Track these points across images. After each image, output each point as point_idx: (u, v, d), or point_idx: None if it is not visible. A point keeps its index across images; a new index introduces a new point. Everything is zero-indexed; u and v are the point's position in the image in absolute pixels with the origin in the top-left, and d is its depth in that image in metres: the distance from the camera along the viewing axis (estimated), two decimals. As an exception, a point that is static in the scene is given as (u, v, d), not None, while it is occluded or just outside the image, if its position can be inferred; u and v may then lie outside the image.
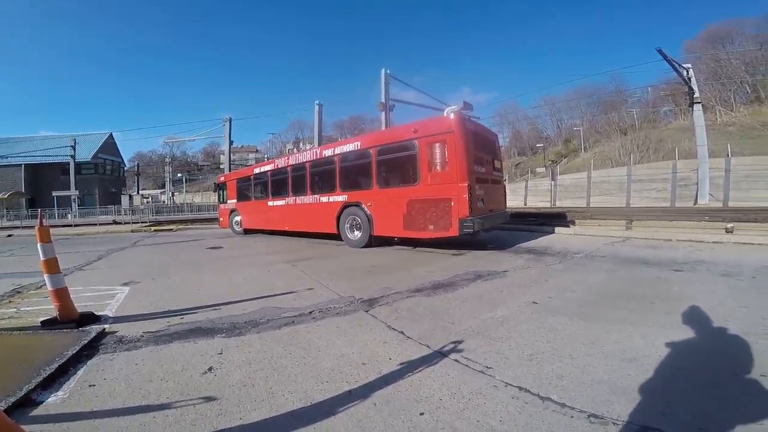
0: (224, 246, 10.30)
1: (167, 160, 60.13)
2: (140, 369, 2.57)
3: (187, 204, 40.30)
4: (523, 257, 6.32)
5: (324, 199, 9.53)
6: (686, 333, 2.82)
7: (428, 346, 2.76)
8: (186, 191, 64.49)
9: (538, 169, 44.44)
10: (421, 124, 7.63)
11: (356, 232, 8.64)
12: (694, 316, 3.15)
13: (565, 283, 4.49)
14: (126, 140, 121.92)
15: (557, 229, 9.80)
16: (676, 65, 18.99)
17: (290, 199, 10.84)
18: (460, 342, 2.79)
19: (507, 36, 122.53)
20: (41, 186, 36.54)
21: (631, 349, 2.56)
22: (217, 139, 27.08)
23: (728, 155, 20.77)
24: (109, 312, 3.98)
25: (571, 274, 4.95)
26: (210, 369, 2.50)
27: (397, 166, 7.97)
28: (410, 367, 2.44)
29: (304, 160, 10.36)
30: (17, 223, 25.86)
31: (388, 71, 18.80)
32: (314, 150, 10.37)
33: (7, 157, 35.11)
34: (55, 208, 30.47)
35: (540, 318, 3.26)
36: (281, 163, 11.62)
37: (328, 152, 9.49)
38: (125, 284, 5.35)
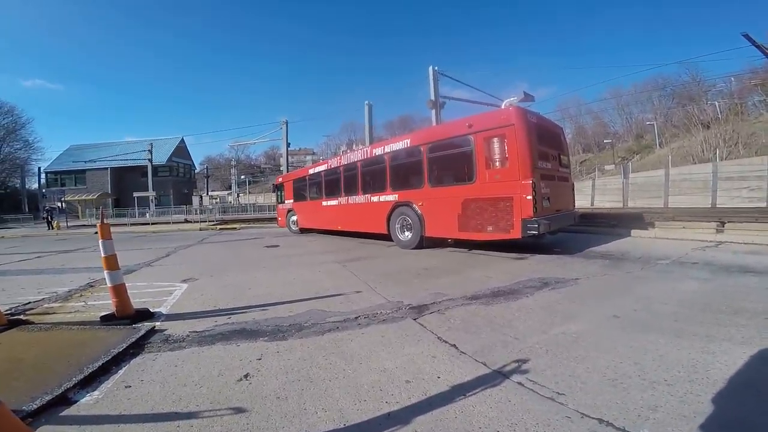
0: (280, 245, 10.50)
1: (233, 163, 64.06)
2: (178, 371, 2.49)
3: (250, 204, 42.49)
4: (596, 263, 5.61)
5: (374, 198, 9.33)
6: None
7: (485, 364, 2.38)
8: (249, 192, 68.34)
9: (607, 167, 41.05)
10: (477, 118, 7.13)
11: (407, 233, 8.32)
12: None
13: (652, 293, 3.82)
14: (196, 144, 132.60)
15: (634, 232, 8.78)
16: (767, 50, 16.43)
17: (342, 199, 10.80)
18: (524, 361, 2.38)
19: (566, 28, 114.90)
20: (124, 187, 40.51)
21: (746, 373, 2.03)
22: (276, 142, 28.09)
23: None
24: (164, 309, 4.07)
25: (658, 283, 4.24)
26: (246, 376, 2.37)
27: (451, 163, 7.53)
28: (462, 389, 2.09)
29: (355, 160, 10.26)
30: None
31: (436, 68, 18.26)
32: (364, 149, 10.23)
33: (96, 161, 39.18)
34: (136, 207, 33.44)
35: (624, 334, 2.74)
36: (333, 163, 11.64)
37: (378, 151, 9.28)
38: (185, 281, 5.54)
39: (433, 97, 18.07)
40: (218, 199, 62.53)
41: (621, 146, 48.39)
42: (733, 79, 38.39)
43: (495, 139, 6.46)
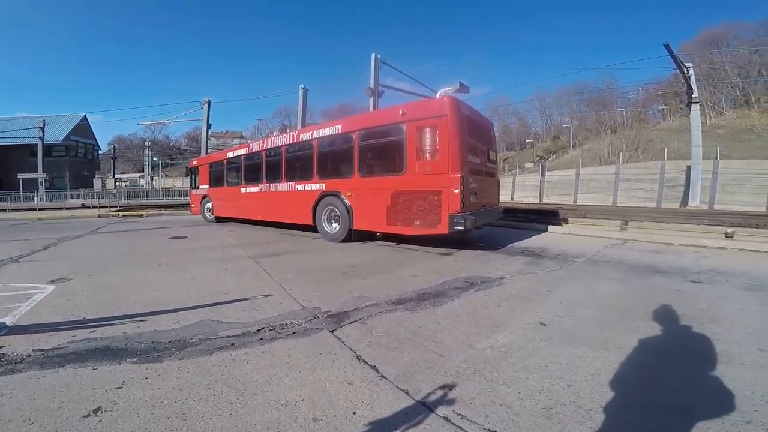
0: (189, 236, 9.35)
1: (146, 143, 57.85)
2: (5, 403, 1.90)
3: (164, 189, 38.58)
4: (519, 260, 5.61)
5: (300, 187, 8.64)
6: (753, 372, 2.14)
7: (408, 393, 2.00)
8: (167, 176, 62.33)
9: (527, 164, 44.05)
10: (411, 106, 6.79)
11: (334, 225, 7.81)
12: (748, 346, 2.49)
13: (574, 296, 3.78)
14: (107, 122, 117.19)
15: (551, 228, 9.21)
16: (680, 62, 18.54)
17: (264, 186, 9.92)
18: (451, 387, 2.04)
19: (503, 30, 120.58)
20: (9, 168, 34.22)
21: (691, 398, 1.89)
22: (198, 123, 25.58)
23: (717, 158, 20.56)
24: (9, 319, 3.21)
25: (578, 284, 4.25)
26: (97, 410, 1.85)
27: (382, 152, 7.12)
28: (381, 430, 1.68)
29: (280, 144, 9.43)
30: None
31: (378, 55, 17.81)
32: (291, 133, 9.45)
33: (-30, 138, 32.75)
34: (21, 190, 28.61)
35: (553, 347, 2.54)
36: (255, 146, 10.65)
37: (305, 136, 8.58)
38: (52, 282, 4.55)
39: (372, 85, 17.57)
40: (128, 182, 56.24)
41: (540, 146, 52.22)
42: (640, 88, 43.27)
43: (427, 129, 6.16)
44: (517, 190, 32.41)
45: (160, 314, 3.31)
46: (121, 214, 18.39)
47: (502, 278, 4.50)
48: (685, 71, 18.43)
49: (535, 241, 7.51)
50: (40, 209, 22.39)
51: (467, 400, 1.91)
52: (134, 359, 2.43)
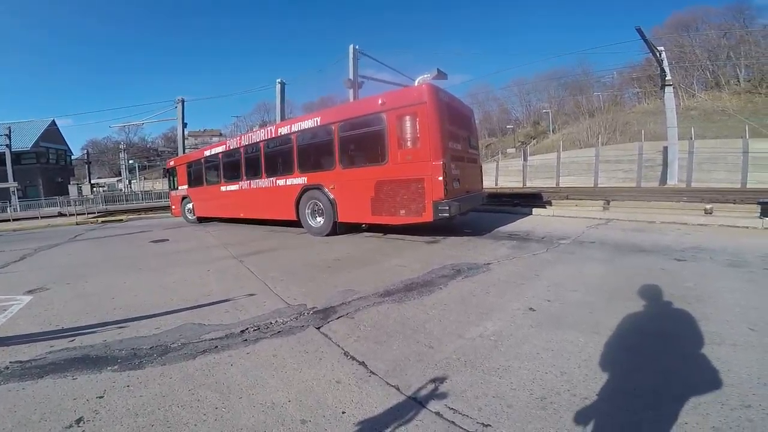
0: (170, 238, 9.09)
1: (122, 146, 56.17)
2: None
3: (142, 192, 37.57)
4: (505, 245, 5.60)
5: (281, 182, 8.45)
6: (746, 353, 2.12)
7: (398, 389, 1.93)
8: (145, 178, 60.80)
9: (509, 150, 44.38)
10: (389, 95, 6.67)
11: (318, 219, 7.68)
12: (738, 326, 2.48)
13: (561, 278, 3.76)
14: (80, 125, 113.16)
15: (535, 211, 9.27)
16: (653, 46, 18.81)
17: (244, 183, 9.67)
18: (442, 380, 1.98)
19: (478, 15, 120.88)
20: (-23, 179, 32.89)
21: (687, 382, 1.85)
22: (174, 123, 24.88)
23: (692, 138, 21.04)
24: None
25: (565, 266, 4.25)
26: (79, 421, 1.81)
27: (363, 143, 6.99)
28: (372, 429, 1.62)
29: (258, 140, 9.18)
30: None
31: (357, 47, 17.54)
32: (269, 128, 9.20)
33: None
34: (-8, 201, 27.53)
35: (543, 333, 2.50)
36: (233, 143, 10.36)
37: (284, 130, 8.37)
38: (30, 292, 4.41)
39: (351, 76, 17.31)
40: (106, 187, 54.64)
41: (521, 131, 52.72)
42: (615, 73, 43.95)
43: (407, 118, 6.06)
44: (501, 175, 32.68)
45: (141, 320, 3.22)
46: (99, 220, 17.80)
47: (489, 264, 4.47)
48: (658, 55, 18.74)
49: (520, 225, 7.52)
50: (14, 219, 21.50)
51: (459, 392, 1.85)
52: (115, 367, 2.36)
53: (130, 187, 47.55)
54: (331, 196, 7.24)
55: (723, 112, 30.08)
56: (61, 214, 22.98)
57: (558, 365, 2.06)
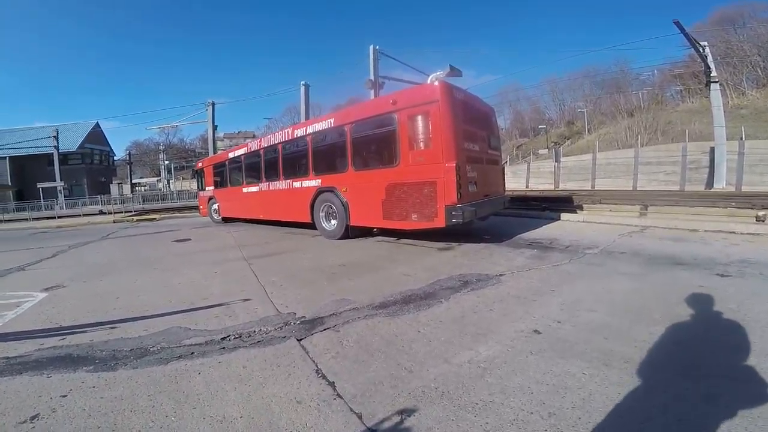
0: (192, 238, 9.30)
1: (161, 147, 58.97)
2: None
3: (178, 191, 39.13)
4: (523, 254, 5.20)
5: (297, 184, 8.40)
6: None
7: (360, 418, 1.72)
8: (183, 178, 63.42)
9: (541, 151, 42.81)
10: (401, 94, 6.44)
11: (332, 222, 7.55)
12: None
13: (580, 294, 3.34)
14: (123, 127, 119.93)
15: (564, 216, 8.69)
16: (694, 41, 17.54)
17: (263, 185, 9.73)
18: (411, 412, 1.73)
19: (508, 15, 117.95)
20: (28, 178, 35.12)
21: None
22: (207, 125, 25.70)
23: (742, 138, 19.38)
24: None
25: (587, 281, 3.80)
26: (34, 417, 1.86)
27: (375, 144, 6.78)
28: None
29: (276, 142, 9.20)
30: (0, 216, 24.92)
31: (377, 47, 17.43)
32: (285, 130, 9.20)
33: (-13, 150, 33.71)
34: (41, 199, 29.37)
35: (543, 362, 2.16)
36: (254, 145, 10.47)
37: (299, 131, 8.32)
38: (47, 289, 4.61)
39: (372, 77, 17.23)
40: (147, 187, 57.47)
41: (554, 132, 50.77)
42: (656, 70, 41.49)
43: (419, 117, 5.80)
44: (532, 177, 31.58)
45: (134, 321, 3.24)
46: (135, 219, 18.63)
47: (501, 275, 4.12)
48: (701, 50, 17.47)
49: (545, 231, 7.06)
50: (59, 217, 22.94)
51: (424, 429, 1.61)
52: (90, 367, 2.39)
53: (169, 187, 49.73)
54: (344, 199, 7.09)
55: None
56: (101, 212, 24.28)
57: (549, 404, 1.74)
